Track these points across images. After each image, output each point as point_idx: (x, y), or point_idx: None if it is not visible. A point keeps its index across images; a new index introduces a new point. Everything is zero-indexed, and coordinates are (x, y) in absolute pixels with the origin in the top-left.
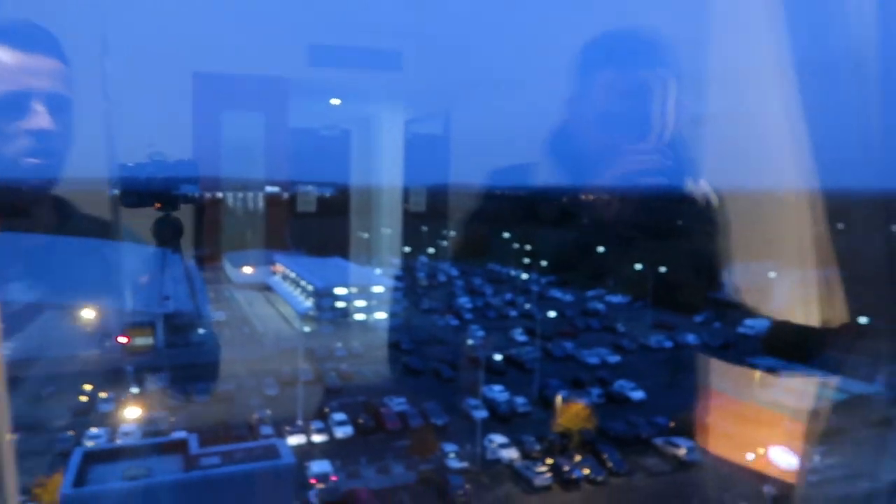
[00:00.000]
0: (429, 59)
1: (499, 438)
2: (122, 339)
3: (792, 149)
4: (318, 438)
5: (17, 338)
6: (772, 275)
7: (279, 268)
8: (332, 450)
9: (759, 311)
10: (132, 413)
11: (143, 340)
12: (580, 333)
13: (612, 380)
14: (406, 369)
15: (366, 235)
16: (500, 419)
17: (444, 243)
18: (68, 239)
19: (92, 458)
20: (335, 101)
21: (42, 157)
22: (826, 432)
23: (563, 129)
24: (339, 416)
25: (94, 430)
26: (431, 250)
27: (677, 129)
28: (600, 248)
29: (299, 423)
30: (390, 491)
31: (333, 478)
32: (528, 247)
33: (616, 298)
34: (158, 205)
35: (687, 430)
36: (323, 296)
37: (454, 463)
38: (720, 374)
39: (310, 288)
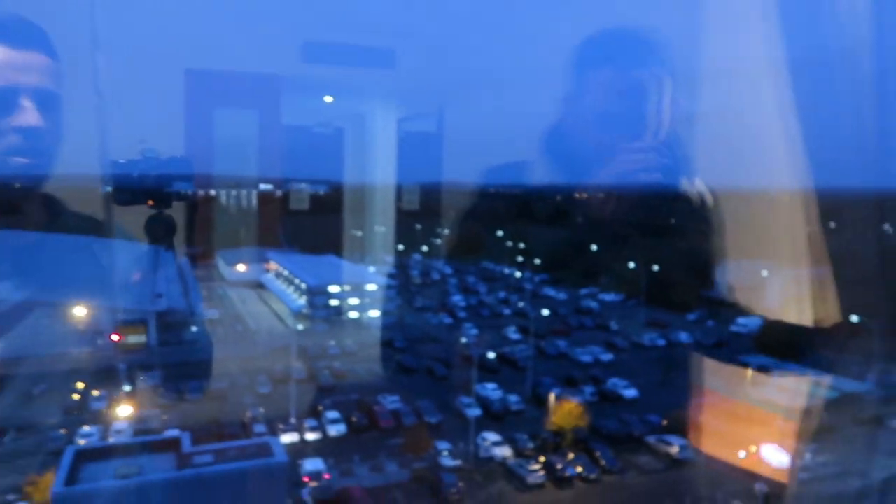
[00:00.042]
0: (422, 56)
1: (492, 436)
2: (115, 337)
3: (785, 148)
4: (311, 436)
5: (7, 336)
6: (764, 273)
7: (272, 265)
8: (325, 448)
9: (751, 310)
10: (124, 411)
11: (135, 338)
12: (573, 331)
13: (605, 378)
14: (399, 367)
15: (359, 233)
16: (494, 417)
17: (438, 241)
18: (59, 236)
19: (84, 456)
20: (328, 99)
21: (32, 155)
22: (817, 430)
23: (557, 128)
24: (333, 415)
25: (85, 429)
26: (425, 248)
27: (671, 128)
28: (594, 247)
29: (292, 421)
30: (383, 489)
31: (326, 476)
32: (521, 245)
33: (609, 297)
34: (151, 202)
35: (679, 428)
36: (316, 294)
37: (447, 461)
38: (713, 373)
39: (303, 286)
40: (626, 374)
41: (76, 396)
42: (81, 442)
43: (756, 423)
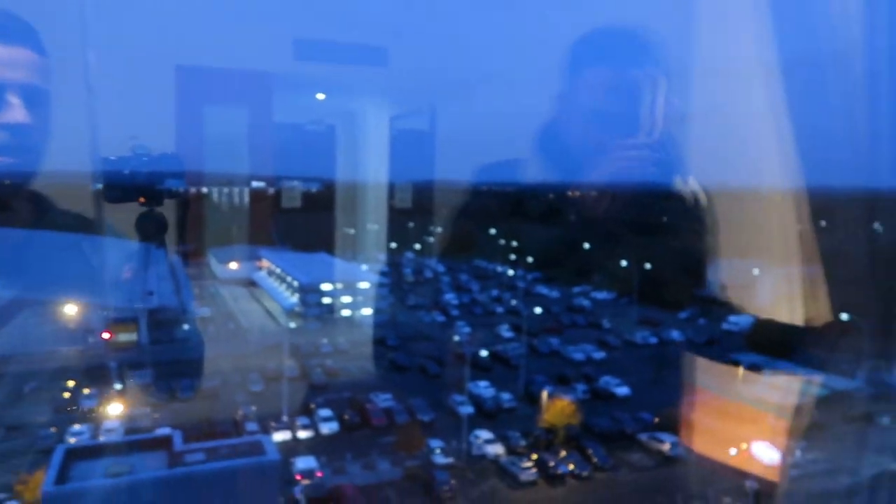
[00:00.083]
0: (415, 54)
1: (484, 434)
2: (106, 335)
3: (777, 147)
4: (303, 435)
5: None
6: (756, 272)
7: (264, 263)
8: (317, 446)
9: (743, 308)
10: (115, 410)
11: (126, 336)
12: (566, 330)
13: (598, 376)
14: (392, 365)
15: (352, 231)
16: (486, 415)
17: (431, 239)
18: (49, 234)
19: (74, 455)
20: (320, 96)
21: (19, 152)
22: (808, 428)
23: (550, 126)
24: (325, 413)
25: (76, 427)
26: (418, 246)
27: (664, 127)
28: (586, 245)
29: (284, 419)
30: (376, 487)
31: (319, 474)
32: (514, 243)
33: (602, 295)
34: (142, 200)
35: (671, 425)
36: (308, 292)
37: (440, 459)
38: (704, 371)
39: (295, 284)
40: (619, 371)
41: (66, 395)
42: (72, 440)
43: (747, 421)
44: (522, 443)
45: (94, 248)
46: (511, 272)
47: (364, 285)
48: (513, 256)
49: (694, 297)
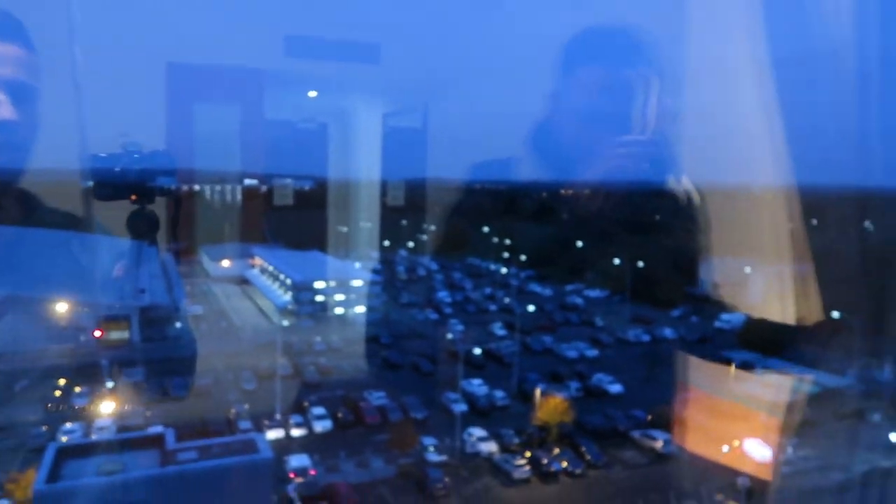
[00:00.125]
0: (408, 52)
1: (478, 432)
2: (97, 333)
3: (769, 145)
4: (296, 433)
5: None
6: (747, 270)
7: (257, 261)
8: (311, 444)
9: (735, 306)
10: (107, 408)
11: (118, 334)
12: (559, 327)
13: (591, 373)
14: (385, 363)
15: (345, 229)
16: (479, 413)
17: (424, 237)
18: (38, 232)
19: (66, 453)
20: (312, 94)
21: (6, 149)
22: (800, 425)
23: (543, 125)
24: (318, 411)
25: (68, 426)
26: (411, 244)
27: (656, 125)
28: (579, 243)
29: (278, 417)
30: (369, 485)
31: (312, 472)
32: (507, 241)
33: (595, 293)
34: (133, 197)
35: (664, 423)
36: (301, 289)
37: (433, 456)
38: (697, 369)
39: (288, 282)
40: (611, 369)
41: (58, 393)
42: (64, 439)
43: (739, 419)
44: (516, 440)
45: (84, 246)
46: (504, 270)
47: (357, 283)
48: (506, 254)
49: (686, 295)
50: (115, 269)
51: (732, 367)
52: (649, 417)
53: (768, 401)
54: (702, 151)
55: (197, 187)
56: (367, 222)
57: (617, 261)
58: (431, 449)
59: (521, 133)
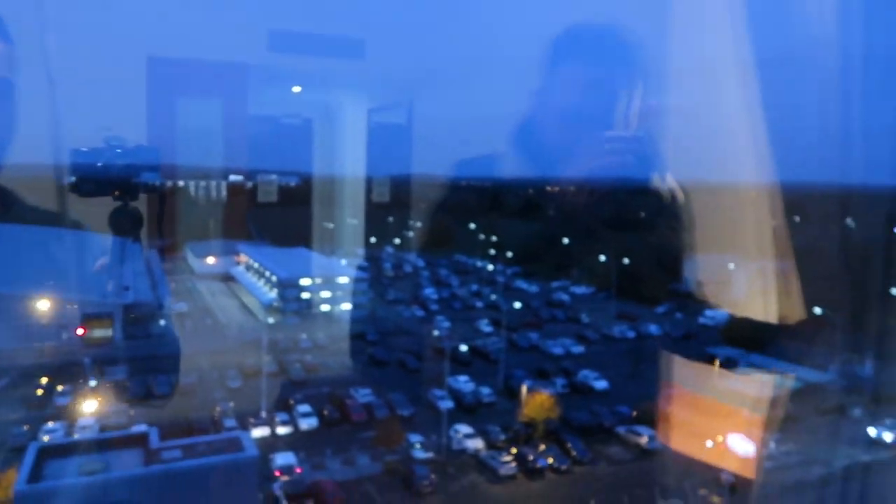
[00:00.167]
0: (392, 48)
1: (464, 429)
2: (80, 331)
3: (752, 143)
4: (282, 430)
5: None
6: (731, 267)
7: (242, 258)
8: (296, 442)
9: (719, 303)
10: (90, 406)
11: (101, 332)
12: (545, 324)
13: (576, 370)
14: (371, 360)
15: (330, 226)
16: (466, 409)
17: (410, 234)
18: (19, 228)
19: (48, 453)
20: (296, 89)
21: None
22: (782, 420)
23: (528, 122)
24: (304, 408)
25: (49, 425)
26: (397, 241)
27: (640, 123)
28: (565, 240)
29: (263, 415)
30: (355, 482)
31: (298, 470)
32: (493, 238)
33: (580, 289)
34: (117, 193)
35: (649, 419)
36: (287, 286)
37: (420, 453)
38: (681, 365)
39: (274, 279)
40: (597, 365)
41: (40, 391)
42: (45, 438)
43: (723, 414)
44: (502, 437)
45: (66, 244)
46: (490, 267)
47: (343, 280)
48: (492, 251)
49: (671, 291)
50: (97, 266)
51: (716, 364)
52: (634, 414)
53: (751, 397)
54: (686, 149)
55: (181, 183)
56: (353, 219)
57: (602, 257)
58: (418, 446)
59: (506, 130)
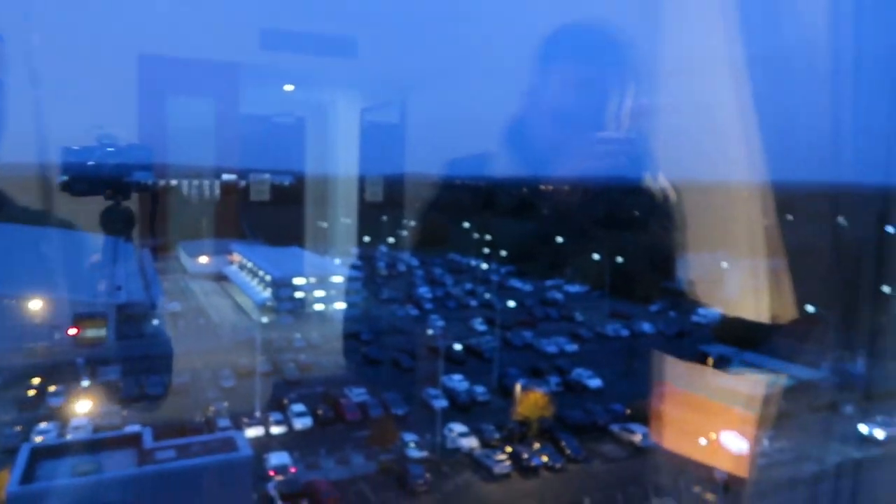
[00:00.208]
0: (385, 46)
1: (458, 427)
2: (73, 331)
3: (744, 142)
4: (276, 430)
5: None
6: (724, 265)
7: (236, 257)
8: (291, 441)
9: (712, 301)
10: (83, 407)
11: (94, 332)
12: (539, 323)
13: (570, 368)
14: (365, 360)
15: (324, 225)
16: (460, 408)
17: (404, 233)
18: (10, 228)
19: (40, 454)
20: (289, 88)
21: None
22: (775, 417)
23: (522, 121)
24: (298, 408)
25: (42, 426)
26: (391, 240)
27: (633, 122)
28: (559, 239)
29: (257, 415)
30: (350, 481)
31: (292, 469)
32: (487, 237)
33: (574, 288)
34: (109, 192)
35: (642, 417)
36: (281, 286)
37: (414, 452)
38: (674, 363)
39: (268, 278)
40: (591, 364)
41: (32, 392)
42: (38, 439)
43: (716, 412)
44: (496, 435)
45: (59, 244)
46: (485, 266)
47: (337, 279)
48: (486, 250)
49: (664, 289)
50: (89, 266)
51: (709, 361)
52: (628, 411)
53: (744, 394)
54: (678, 148)
55: (174, 182)
56: (347, 218)
57: (596, 256)
58: (412, 445)
59: (500, 129)
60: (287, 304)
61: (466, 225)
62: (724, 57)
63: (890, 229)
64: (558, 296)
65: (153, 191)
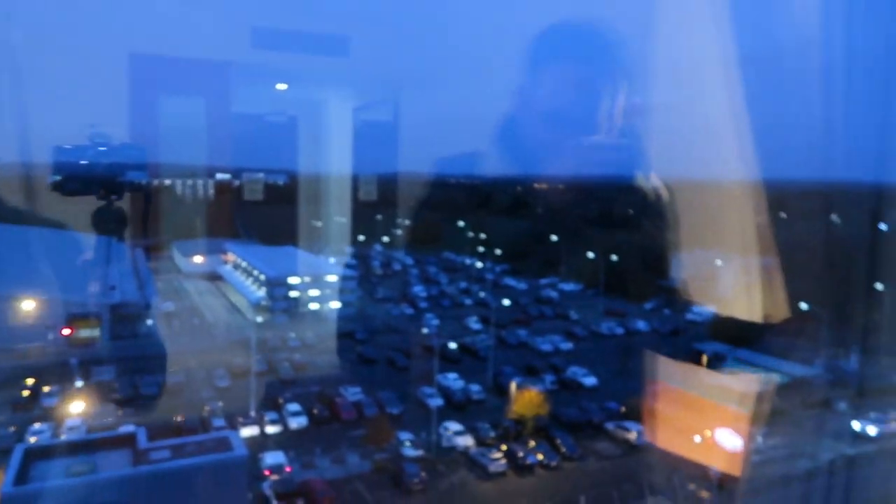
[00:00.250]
0: (378, 45)
1: (454, 426)
2: (66, 331)
3: (737, 141)
4: (271, 429)
5: None
6: (718, 263)
7: (230, 257)
8: (286, 441)
9: (706, 299)
10: (77, 407)
11: (88, 332)
12: (534, 321)
13: (565, 366)
14: (360, 359)
15: (318, 224)
16: (455, 407)
17: (398, 232)
18: (2, 228)
19: (34, 454)
20: (282, 86)
21: None
22: (768, 414)
23: (515, 120)
24: (294, 407)
25: (36, 426)
26: (386, 239)
27: (627, 121)
28: (554, 237)
29: (252, 414)
30: (345, 480)
31: (288, 469)
32: (482, 235)
33: (569, 286)
34: (102, 192)
35: (637, 414)
36: (275, 285)
37: (409, 451)
38: (669, 361)
39: (262, 277)
40: (586, 362)
41: (26, 393)
42: (32, 440)
43: (710, 409)
44: (492, 434)
45: (51, 244)
46: (479, 264)
47: (332, 278)
48: (481, 249)
49: (659, 287)
50: (83, 266)
51: (703, 359)
52: (623, 409)
53: (738, 391)
54: (671, 147)
55: (167, 182)
56: (341, 217)
57: (591, 255)
58: (407, 444)
59: (494, 128)
60: (281, 304)
61: (461, 223)
62: (717, 56)
63: (882, 227)
64: (553, 294)
65: (146, 190)
